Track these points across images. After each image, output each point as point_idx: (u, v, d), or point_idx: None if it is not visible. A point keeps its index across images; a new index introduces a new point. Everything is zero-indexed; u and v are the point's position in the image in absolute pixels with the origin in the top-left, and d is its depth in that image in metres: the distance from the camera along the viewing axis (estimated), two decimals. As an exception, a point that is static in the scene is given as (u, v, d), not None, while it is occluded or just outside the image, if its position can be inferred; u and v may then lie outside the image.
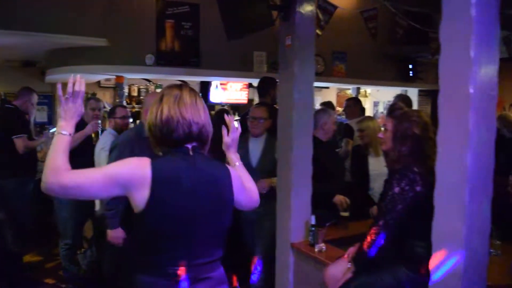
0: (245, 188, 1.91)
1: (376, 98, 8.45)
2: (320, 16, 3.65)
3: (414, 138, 2.46)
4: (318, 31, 3.63)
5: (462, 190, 1.95)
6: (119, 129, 4.18)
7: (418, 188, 2.35)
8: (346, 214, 3.75)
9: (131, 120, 5.63)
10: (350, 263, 2.52)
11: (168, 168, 1.65)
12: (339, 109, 9.32)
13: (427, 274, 2.12)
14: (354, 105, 5.77)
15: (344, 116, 8.72)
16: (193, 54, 5.54)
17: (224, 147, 2.11)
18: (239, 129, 2.12)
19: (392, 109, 2.62)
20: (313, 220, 3.28)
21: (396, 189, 2.38)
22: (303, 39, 3.36)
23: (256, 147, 3.92)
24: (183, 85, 1.82)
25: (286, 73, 3.44)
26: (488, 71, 1.97)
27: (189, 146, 1.72)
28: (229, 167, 1.86)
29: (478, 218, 2.01)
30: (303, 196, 3.47)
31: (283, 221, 3.54)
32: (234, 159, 2.08)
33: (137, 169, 1.60)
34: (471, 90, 1.91)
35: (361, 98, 8.48)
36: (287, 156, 3.44)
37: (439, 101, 2.04)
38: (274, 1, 3.53)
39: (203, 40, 5.51)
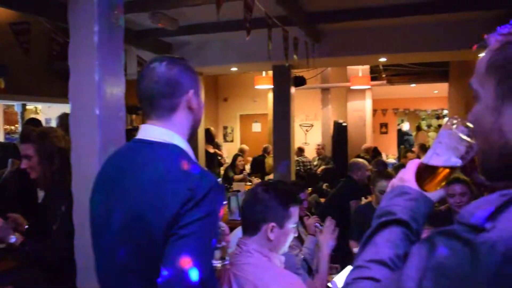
0: None
1: (48, 115, 8.09)
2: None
3: (61, 153, 2.43)
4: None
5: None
6: None
7: (64, 207, 2.37)
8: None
9: None
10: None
11: None
12: (8, 127, 8.49)
13: None
14: None
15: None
16: None
17: None
18: None
19: (24, 135, 2.50)
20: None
21: (63, 207, 2.36)
22: None
23: None
24: None
25: None
26: (115, 94, 2.16)
27: None
28: None
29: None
30: None
31: None
32: None
33: None
34: (98, 112, 2.04)
35: (32, 115, 7.96)
36: None
37: (70, 122, 2.11)
38: None
39: None
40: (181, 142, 1.29)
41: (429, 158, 0.90)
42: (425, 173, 0.91)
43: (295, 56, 4.55)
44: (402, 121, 15.45)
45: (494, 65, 0.74)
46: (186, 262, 1.10)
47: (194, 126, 1.35)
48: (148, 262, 1.17)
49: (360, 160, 5.28)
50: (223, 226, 1.42)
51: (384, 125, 14.71)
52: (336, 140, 10.07)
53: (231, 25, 5.01)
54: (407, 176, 0.92)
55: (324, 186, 7.33)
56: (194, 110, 1.32)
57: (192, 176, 1.19)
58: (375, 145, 9.91)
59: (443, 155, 0.88)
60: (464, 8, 4.65)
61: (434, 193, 0.91)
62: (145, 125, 1.31)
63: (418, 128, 14.95)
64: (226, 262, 1.64)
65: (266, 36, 3.84)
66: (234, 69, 7.03)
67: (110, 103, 2.12)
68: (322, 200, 5.76)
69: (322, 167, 8.69)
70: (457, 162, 0.87)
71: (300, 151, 8.83)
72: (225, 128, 11.71)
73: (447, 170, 0.89)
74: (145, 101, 1.30)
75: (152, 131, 1.29)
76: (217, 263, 1.57)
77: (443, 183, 0.92)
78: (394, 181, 0.95)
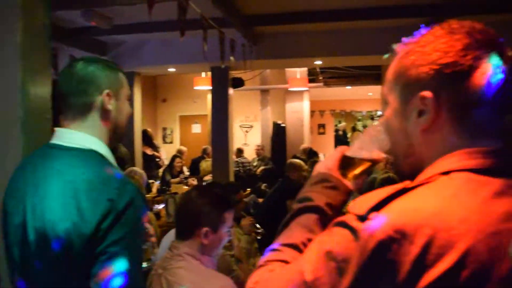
0: None
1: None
2: None
3: None
4: None
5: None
6: None
7: None
8: None
9: None
10: None
11: None
12: None
13: None
14: None
15: None
16: None
17: None
18: None
19: None
20: None
21: None
22: None
23: None
24: None
25: None
26: (40, 94, 2.06)
27: None
28: None
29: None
30: None
31: None
32: None
33: None
34: (21, 113, 1.94)
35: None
36: None
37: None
38: None
39: None
40: (100, 147, 1.21)
41: (354, 150, 0.96)
42: (348, 163, 0.96)
43: (232, 58, 4.56)
44: (340, 122, 15.95)
45: (397, 72, 0.79)
46: (119, 281, 1.05)
47: (115, 131, 1.27)
48: (65, 276, 1.09)
49: (297, 160, 5.38)
50: (147, 227, 1.39)
51: (321, 126, 15.09)
52: (275, 141, 10.21)
53: (168, 25, 4.94)
54: (330, 164, 0.95)
55: (263, 186, 7.40)
56: (110, 112, 1.24)
57: (111, 185, 1.11)
58: (313, 145, 10.16)
59: (367, 149, 0.93)
60: (395, 15, 4.88)
61: (354, 183, 0.96)
62: (61, 128, 1.23)
63: (354, 129, 15.49)
64: (153, 259, 1.61)
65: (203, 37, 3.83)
66: (171, 69, 6.93)
67: (34, 104, 2.02)
68: (261, 200, 5.82)
69: (262, 167, 8.78)
70: (379, 156, 0.93)
71: (240, 152, 8.87)
72: (164, 129, 11.50)
73: (369, 163, 0.96)
74: (61, 100, 1.24)
75: (67, 135, 1.21)
76: (144, 265, 1.54)
77: (364, 175, 0.98)
78: (318, 168, 0.98)
